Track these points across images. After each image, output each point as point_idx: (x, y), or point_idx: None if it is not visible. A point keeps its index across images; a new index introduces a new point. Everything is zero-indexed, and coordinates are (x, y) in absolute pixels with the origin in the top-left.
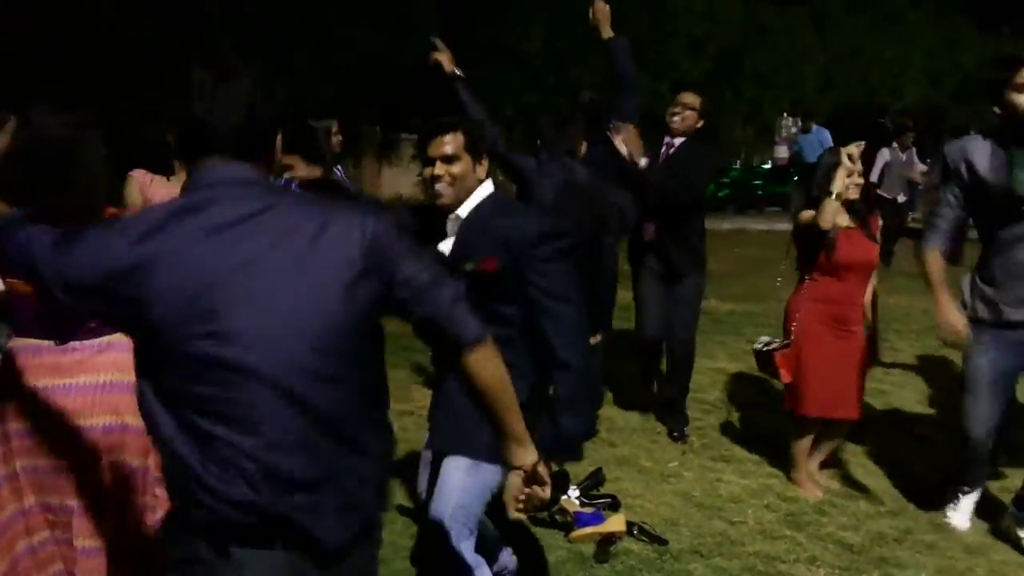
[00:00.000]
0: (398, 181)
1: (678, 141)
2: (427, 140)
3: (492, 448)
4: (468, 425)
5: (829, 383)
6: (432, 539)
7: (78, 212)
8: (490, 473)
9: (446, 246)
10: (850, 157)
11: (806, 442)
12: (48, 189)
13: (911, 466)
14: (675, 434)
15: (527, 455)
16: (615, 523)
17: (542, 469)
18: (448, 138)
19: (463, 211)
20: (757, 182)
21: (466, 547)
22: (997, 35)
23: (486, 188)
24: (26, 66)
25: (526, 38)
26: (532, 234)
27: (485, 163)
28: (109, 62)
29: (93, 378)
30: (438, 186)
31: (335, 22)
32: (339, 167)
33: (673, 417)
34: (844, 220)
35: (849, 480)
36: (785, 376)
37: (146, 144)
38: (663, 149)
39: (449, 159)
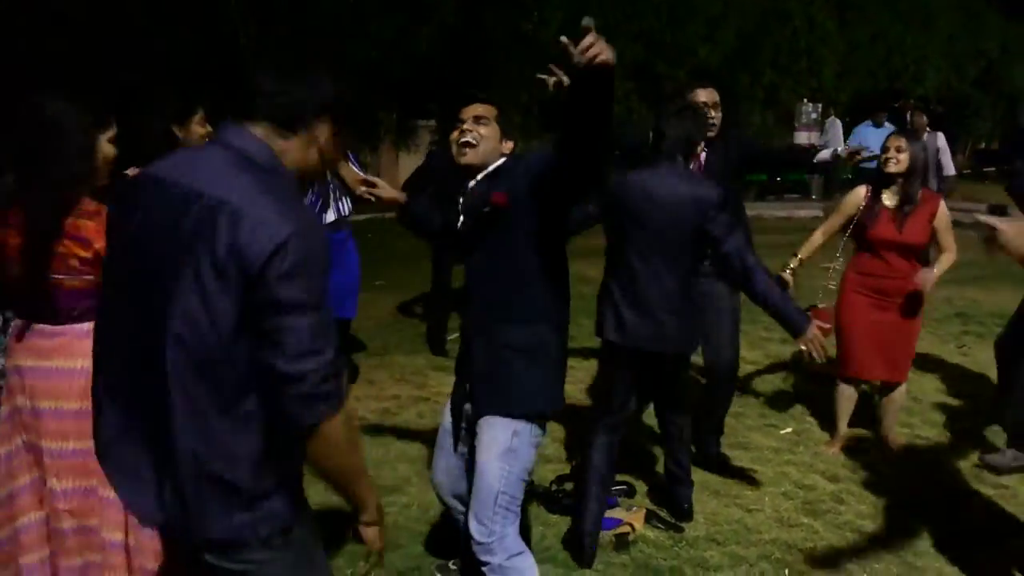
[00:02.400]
0: (416, 167)
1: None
2: (462, 105)
3: (536, 397)
4: (505, 383)
5: (866, 347)
6: (448, 525)
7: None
8: (527, 447)
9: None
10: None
11: (845, 404)
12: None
13: (932, 456)
14: (712, 452)
15: (369, 515)
16: (635, 518)
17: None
18: (481, 106)
19: (481, 176)
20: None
21: (512, 533)
22: (1021, 22)
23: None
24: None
25: (543, 24)
26: (543, 155)
27: (511, 144)
28: (125, 55)
29: (69, 363)
30: (465, 140)
31: (350, 10)
32: (351, 154)
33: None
34: (888, 200)
35: (869, 468)
36: (818, 328)
37: (152, 137)
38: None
39: (479, 119)
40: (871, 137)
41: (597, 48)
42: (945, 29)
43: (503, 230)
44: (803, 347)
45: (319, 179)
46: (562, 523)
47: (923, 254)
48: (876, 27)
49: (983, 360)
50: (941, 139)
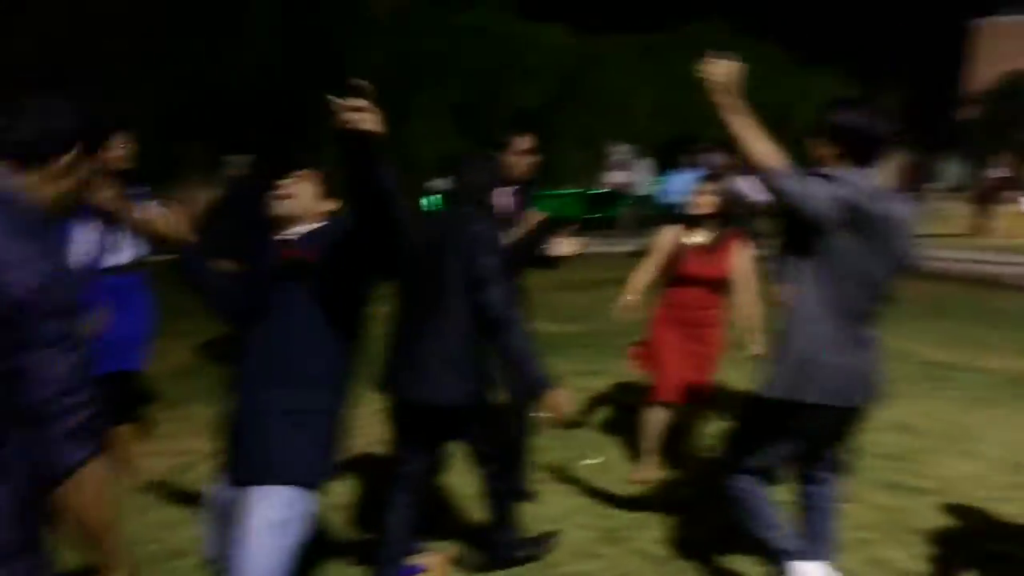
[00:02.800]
0: None
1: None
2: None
3: (303, 466)
4: (277, 448)
5: (676, 375)
6: None
7: None
8: (295, 519)
9: None
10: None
11: (653, 430)
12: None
13: None
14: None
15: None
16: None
17: None
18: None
19: (303, 230)
20: (591, 206)
21: None
22: (810, 69)
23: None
24: None
25: (359, 64)
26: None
27: (334, 204)
28: None
29: None
30: (279, 195)
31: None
32: (142, 192)
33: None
34: (695, 238)
35: (668, 493)
36: (635, 365)
37: None
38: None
39: (300, 179)
40: (679, 181)
41: (356, 117)
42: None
43: (298, 288)
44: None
45: (74, 212)
46: None
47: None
48: (684, 73)
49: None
50: (747, 180)
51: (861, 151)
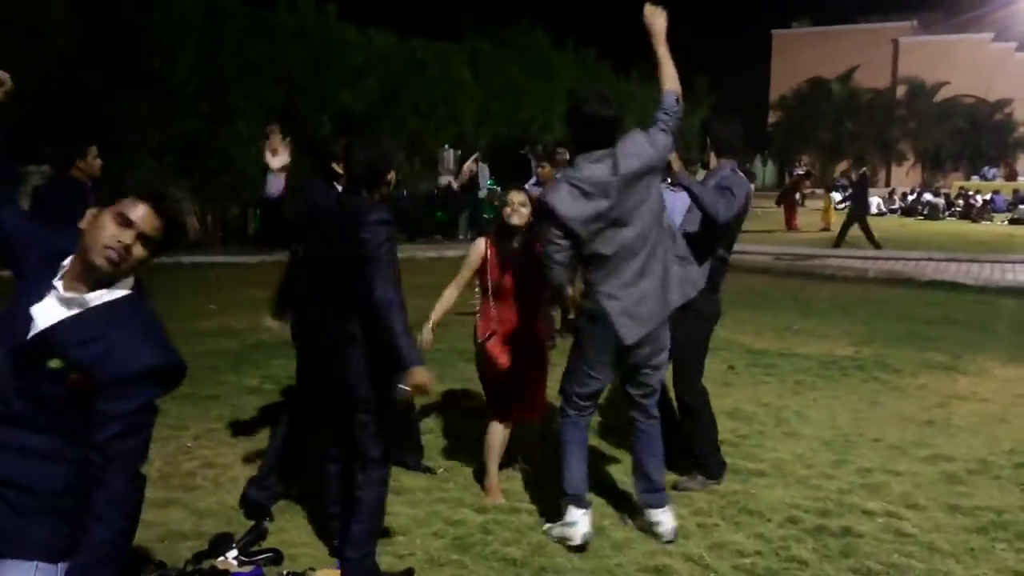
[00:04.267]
0: None
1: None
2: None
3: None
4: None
5: (506, 391)
6: None
7: None
8: None
9: (44, 314)
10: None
11: (494, 445)
12: None
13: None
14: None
15: None
16: None
17: None
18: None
19: (95, 298)
20: (424, 210)
21: None
22: (627, 76)
23: (127, 283)
24: None
25: (173, 64)
26: (136, 368)
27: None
28: None
29: None
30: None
31: None
32: None
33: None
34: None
35: (513, 494)
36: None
37: None
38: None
39: (144, 237)
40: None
41: None
42: (566, 82)
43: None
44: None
45: None
46: None
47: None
48: (506, 79)
49: None
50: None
51: None
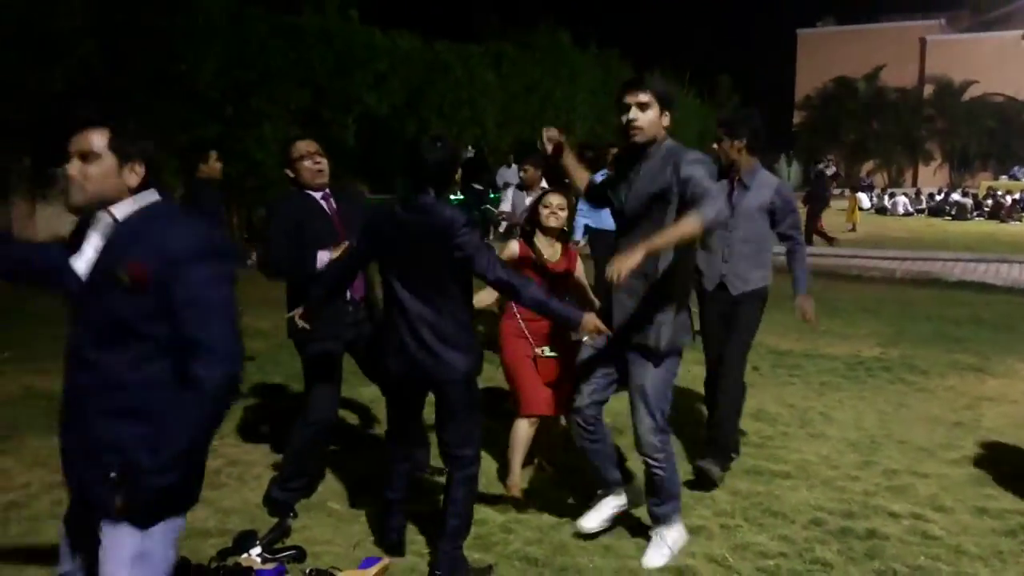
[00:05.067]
0: (57, 220)
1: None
2: (68, 136)
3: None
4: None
5: (534, 386)
6: None
7: None
8: (160, 549)
9: (83, 259)
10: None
11: (520, 442)
12: None
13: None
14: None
15: None
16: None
17: None
18: (91, 133)
19: (119, 212)
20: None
21: None
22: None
23: (149, 196)
24: None
25: (197, 67)
26: (186, 245)
27: (139, 169)
28: None
29: None
30: (71, 186)
31: None
32: None
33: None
34: (546, 249)
35: (535, 494)
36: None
37: None
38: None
39: (86, 156)
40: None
41: None
42: (588, 83)
43: (133, 301)
44: (584, 338)
45: None
46: None
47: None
48: (530, 80)
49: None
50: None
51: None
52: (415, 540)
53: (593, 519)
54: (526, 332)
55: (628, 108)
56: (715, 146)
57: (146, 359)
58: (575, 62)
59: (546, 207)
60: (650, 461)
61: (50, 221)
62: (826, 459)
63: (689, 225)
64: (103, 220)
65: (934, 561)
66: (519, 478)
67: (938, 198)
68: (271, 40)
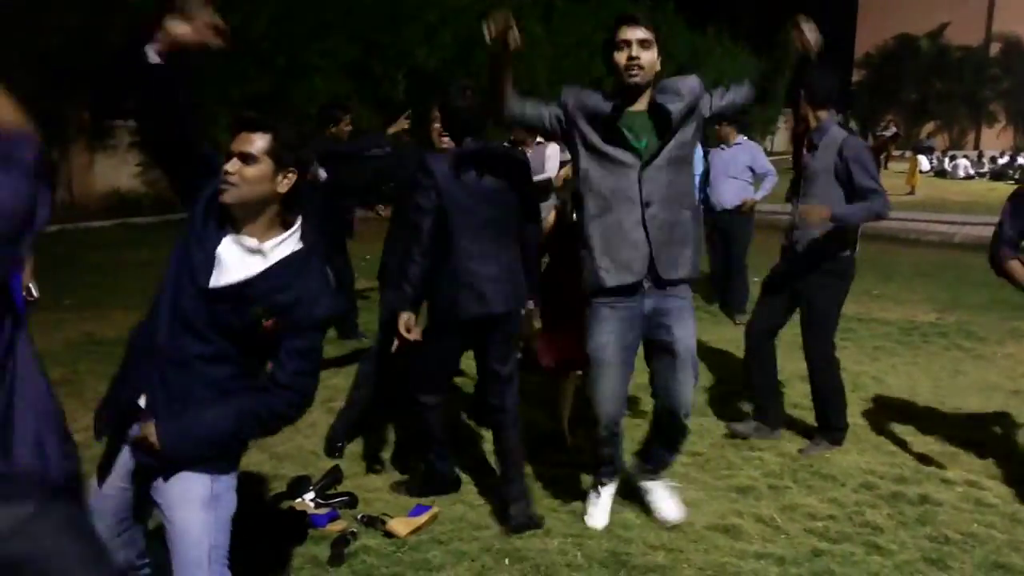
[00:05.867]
0: (114, 173)
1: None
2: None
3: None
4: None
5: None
6: None
7: None
8: (227, 493)
9: (230, 256)
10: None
11: (569, 400)
12: None
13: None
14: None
15: None
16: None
17: None
18: (255, 136)
19: (271, 251)
20: None
21: None
22: (703, 32)
23: (294, 241)
24: None
25: (251, 19)
26: (319, 315)
27: (291, 176)
28: None
29: None
30: (226, 183)
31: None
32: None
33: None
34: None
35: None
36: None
37: None
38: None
39: (245, 157)
40: None
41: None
42: None
43: (252, 335)
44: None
45: None
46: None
47: None
48: (580, 34)
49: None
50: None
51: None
52: (465, 490)
53: (602, 513)
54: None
55: (628, 44)
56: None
57: (223, 362)
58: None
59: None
60: (686, 423)
61: (108, 174)
62: (878, 423)
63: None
64: (249, 246)
65: (988, 529)
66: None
67: (1001, 161)
68: None
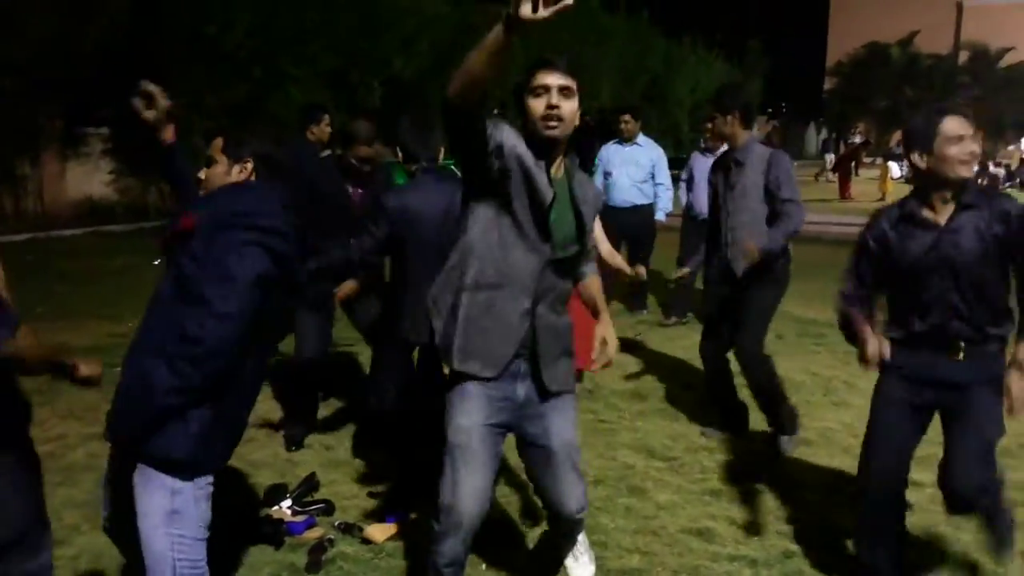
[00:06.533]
0: (87, 180)
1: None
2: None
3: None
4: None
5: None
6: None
7: None
8: (190, 506)
9: None
10: None
11: None
12: None
13: (617, 436)
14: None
15: None
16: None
17: None
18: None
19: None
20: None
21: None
22: (679, 42)
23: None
24: None
25: (228, 28)
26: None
27: (248, 166)
28: None
29: None
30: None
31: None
32: None
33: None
34: None
35: None
36: None
37: None
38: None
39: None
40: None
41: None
42: (616, 47)
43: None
44: None
45: None
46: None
47: None
48: (556, 45)
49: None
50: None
51: None
52: None
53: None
54: None
55: (547, 91)
56: (708, 126)
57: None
58: (603, 25)
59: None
60: (581, 517)
61: (80, 182)
62: (849, 427)
63: None
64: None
65: (956, 530)
66: None
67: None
68: (301, 1)
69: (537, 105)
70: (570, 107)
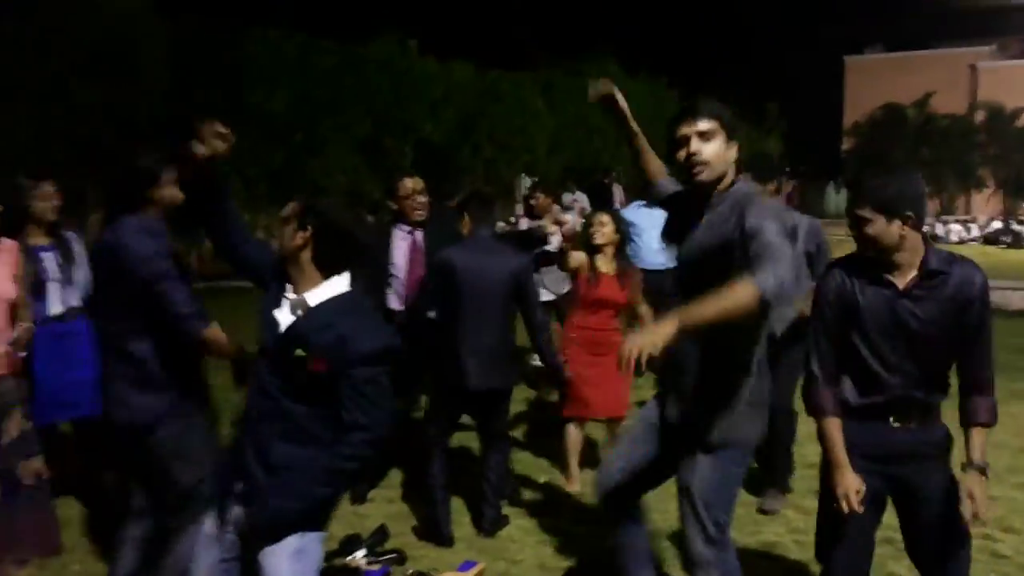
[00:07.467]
0: None
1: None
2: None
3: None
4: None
5: (587, 390)
6: None
7: None
8: (314, 545)
9: (282, 315)
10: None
11: (573, 444)
12: None
13: None
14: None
15: None
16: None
17: None
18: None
19: (312, 298)
20: None
21: None
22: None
23: (341, 283)
24: None
25: (268, 98)
26: (367, 347)
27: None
28: None
29: None
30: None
31: (55, 75)
32: (73, 232)
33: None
34: (603, 265)
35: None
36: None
37: None
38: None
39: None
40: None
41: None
42: (636, 110)
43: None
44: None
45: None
46: None
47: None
48: (578, 109)
49: None
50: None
51: None
52: (505, 547)
53: None
54: (586, 341)
55: (687, 140)
56: None
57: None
58: (624, 89)
59: (592, 225)
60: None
61: None
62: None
63: (739, 296)
64: (291, 297)
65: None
66: (577, 472)
67: (997, 226)
68: (338, 71)
69: (680, 155)
70: (712, 149)
